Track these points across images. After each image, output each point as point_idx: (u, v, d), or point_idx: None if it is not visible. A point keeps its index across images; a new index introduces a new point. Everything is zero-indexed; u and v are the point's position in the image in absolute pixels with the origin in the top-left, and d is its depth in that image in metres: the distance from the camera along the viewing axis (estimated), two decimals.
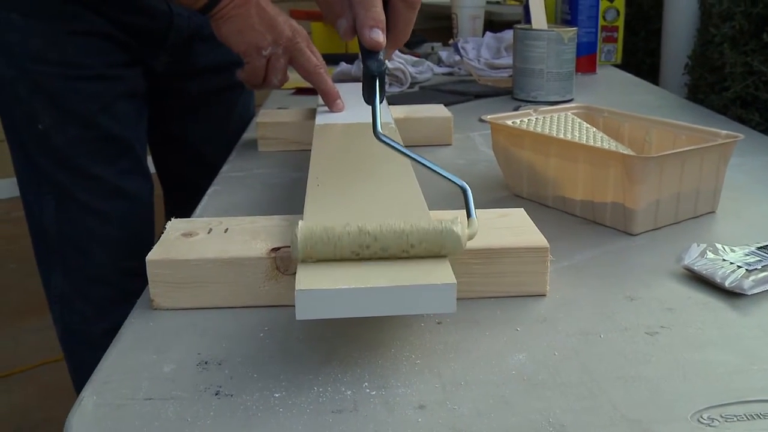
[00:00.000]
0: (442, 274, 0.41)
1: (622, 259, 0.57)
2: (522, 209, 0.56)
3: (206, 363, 0.43)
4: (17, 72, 0.82)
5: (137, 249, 0.89)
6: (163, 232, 0.53)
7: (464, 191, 0.51)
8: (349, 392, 0.40)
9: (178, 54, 0.93)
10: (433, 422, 0.37)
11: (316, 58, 0.85)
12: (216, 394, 0.40)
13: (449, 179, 0.51)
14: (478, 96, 1.17)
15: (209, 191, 0.75)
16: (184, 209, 0.81)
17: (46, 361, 1.63)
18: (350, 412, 0.38)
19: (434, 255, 0.43)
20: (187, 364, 0.43)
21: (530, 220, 0.54)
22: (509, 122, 0.73)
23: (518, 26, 1.14)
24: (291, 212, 0.57)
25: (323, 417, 0.38)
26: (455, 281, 0.40)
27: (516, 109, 1.08)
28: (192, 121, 1.00)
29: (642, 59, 1.85)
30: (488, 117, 0.72)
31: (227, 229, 0.53)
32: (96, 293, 0.88)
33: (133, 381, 0.41)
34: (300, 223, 0.43)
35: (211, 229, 0.53)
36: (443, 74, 1.37)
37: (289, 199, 0.72)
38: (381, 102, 0.56)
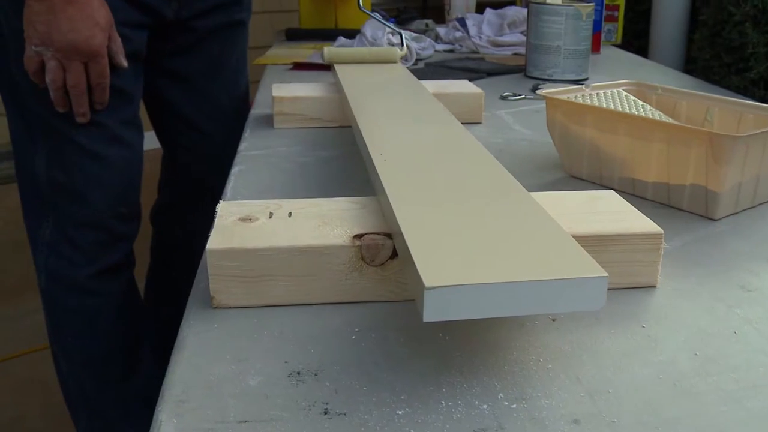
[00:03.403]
0: (587, 265, 0.35)
1: (715, 245, 0.52)
2: (612, 191, 0.51)
3: (299, 374, 0.36)
4: None
5: (130, 195, 0.93)
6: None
7: (400, 34, 1.03)
8: (485, 406, 0.34)
9: None
10: None
11: (97, 77, 0.81)
12: (325, 413, 0.33)
13: (387, 25, 1.07)
14: (490, 73, 1.11)
15: (234, 171, 0.67)
16: (189, 154, 1.02)
17: (16, 354, 1.51)
18: (496, 431, 0.32)
19: (389, 61, 0.92)
20: (275, 376, 0.36)
21: (627, 203, 0.49)
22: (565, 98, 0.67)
23: (533, 1, 1.09)
24: (330, 194, 0.50)
25: None
26: (607, 273, 0.34)
27: (535, 87, 1.03)
28: (191, 57, 0.99)
29: (629, 41, 1.83)
30: (544, 92, 0.67)
31: (290, 213, 0.46)
32: (87, 238, 0.89)
33: (217, 399, 0.34)
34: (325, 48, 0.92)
35: (271, 213, 0.46)
36: (444, 51, 1.31)
37: (329, 178, 0.65)
38: None
